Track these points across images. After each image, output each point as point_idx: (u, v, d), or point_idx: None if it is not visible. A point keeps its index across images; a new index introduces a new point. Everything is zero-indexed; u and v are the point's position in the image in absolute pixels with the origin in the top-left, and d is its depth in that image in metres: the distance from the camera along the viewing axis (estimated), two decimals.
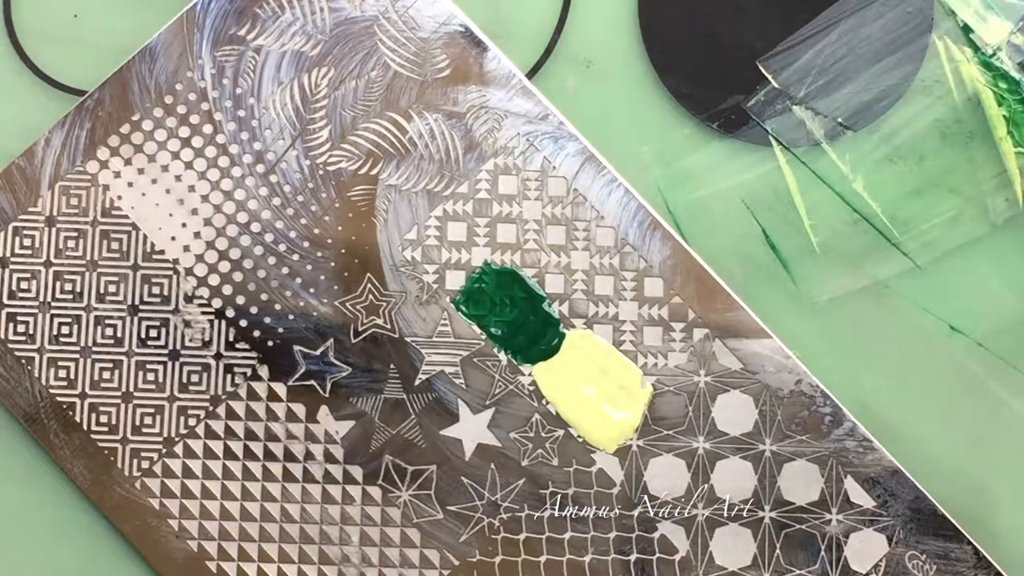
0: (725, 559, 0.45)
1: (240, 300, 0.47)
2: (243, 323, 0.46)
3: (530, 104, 0.47)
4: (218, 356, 0.46)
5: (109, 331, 0.47)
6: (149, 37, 0.47)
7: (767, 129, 0.47)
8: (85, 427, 0.46)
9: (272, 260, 0.47)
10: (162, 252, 0.47)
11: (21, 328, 0.46)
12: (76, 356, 0.46)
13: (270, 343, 0.46)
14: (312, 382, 0.46)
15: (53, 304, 0.47)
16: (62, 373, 0.46)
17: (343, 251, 0.47)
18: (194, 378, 0.46)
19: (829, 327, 0.47)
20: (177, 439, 0.46)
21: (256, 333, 0.46)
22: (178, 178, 0.47)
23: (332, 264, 0.47)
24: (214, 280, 0.47)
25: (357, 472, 0.46)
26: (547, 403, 0.46)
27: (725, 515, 0.45)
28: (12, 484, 0.46)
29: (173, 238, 0.47)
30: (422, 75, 0.47)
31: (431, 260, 0.47)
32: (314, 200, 0.47)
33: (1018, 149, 0.46)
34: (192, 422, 0.46)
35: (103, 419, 0.46)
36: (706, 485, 0.45)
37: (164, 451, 0.46)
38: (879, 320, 0.47)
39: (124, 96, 0.47)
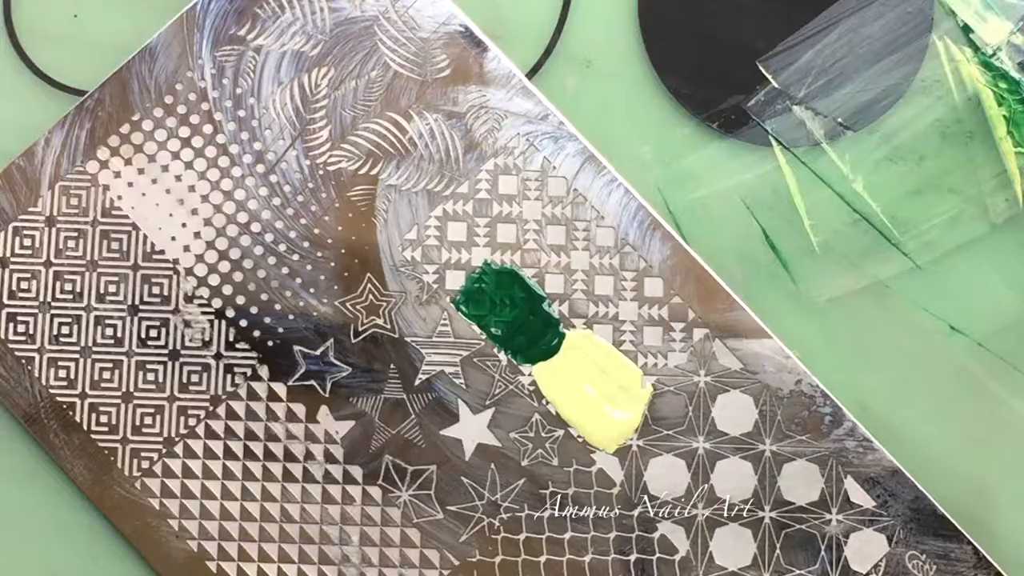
0: (725, 559, 0.45)
1: (240, 300, 0.47)
2: (243, 323, 0.46)
3: (530, 104, 0.47)
4: (218, 356, 0.46)
5: (109, 331, 0.47)
6: (149, 37, 0.47)
7: (767, 129, 0.47)
8: (85, 427, 0.46)
9: (272, 260, 0.47)
10: (162, 252, 0.47)
11: (21, 328, 0.46)
12: (76, 356, 0.46)
13: (270, 343, 0.46)
14: (312, 382, 0.46)
15: (53, 304, 0.47)
16: (62, 373, 0.46)
17: (343, 251, 0.47)
18: (194, 378, 0.46)
19: (829, 327, 0.47)
20: (177, 439, 0.46)
21: (256, 333, 0.46)
22: (178, 178, 0.47)
23: (332, 264, 0.47)
24: (214, 280, 0.47)
25: (357, 472, 0.46)
26: (547, 403, 0.46)
27: (725, 515, 0.45)
28: (12, 484, 0.46)
29: (173, 238, 0.47)
30: (422, 75, 0.47)
31: (431, 260, 0.47)
32: (314, 200, 0.47)
33: (1018, 149, 0.46)
34: (192, 422, 0.46)
35: (103, 419, 0.46)
36: (706, 485, 0.45)
37: (164, 451, 0.46)
38: (879, 320, 0.47)
39: (124, 96, 0.47)
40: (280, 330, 0.46)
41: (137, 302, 0.47)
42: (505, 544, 0.46)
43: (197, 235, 0.47)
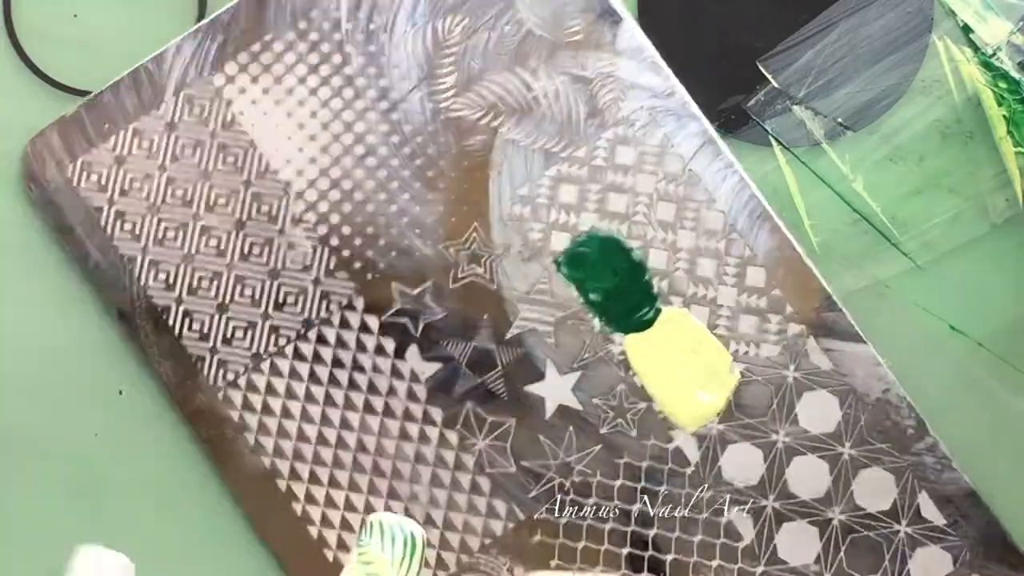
0: (788, 554, 0.45)
1: (346, 230, 0.47)
2: (345, 253, 0.47)
3: (658, 80, 0.47)
4: (316, 282, 0.47)
5: (213, 242, 0.47)
6: (149, 37, 0.47)
7: (767, 129, 0.47)
8: (176, 332, 0.47)
9: (382, 196, 0.47)
10: (276, 173, 0.47)
11: (128, 226, 0.47)
12: (178, 261, 0.47)
13: (369, 276, 0.47)
14: (405, 320, 0.47)
15: (162, 208, 0.47)
16: (161, 276, 0.47)
17: (453, 197, 0.47)
18: (290, 299, 0.47)
19: None
20: (265, 356, 0.46)
21: (357, 265, 0.47)
22: (301, 103, 0.47)
23: (441, 208, 0.47)
24: (323, 207, 0.47)
25: (437, 414, 0.46)
26: (634, 375, 0.46)
27: (794, 510, 0.45)
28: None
29: (288, 161, 0.47)
30: (554, 36, 0.47)
31: (539, 218, 0.47)
32: (432, 143, 0.47)
33: (1018, 149, 0.46)
34: (282, 342, 0.47)
35: (195, 326, 0.47)
36: (780, 478, 0.45)
37: (251, 366, 0.46)
38: (879, 320, 0.47)
39: (260, 15, 0.47)
40: (381, 265, 0.47)
41: (244, 217, 0.47)
42: (572, 506, 0.46)
43: (312, 161, 0.47)
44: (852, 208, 0.47)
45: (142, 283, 0.47)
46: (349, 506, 0.46)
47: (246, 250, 0.47)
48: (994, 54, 0.46)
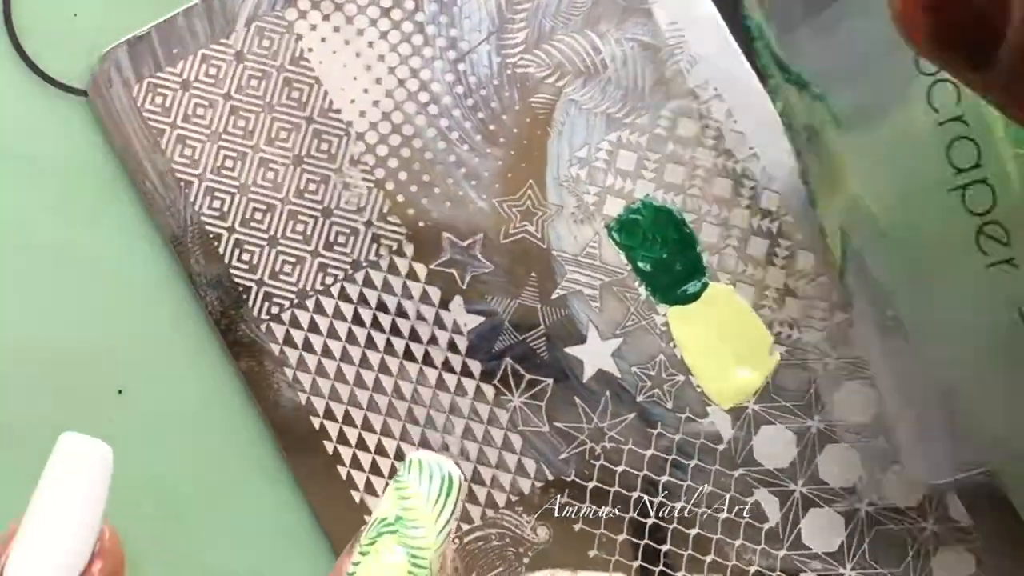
0: (812, 540, 0.45)
1: (402, 176, 0.47)
2: (400, 198, 0.47)
3: (727, 56, 0.47)
4: (368, 224, 0.47)
5: (270, 175, 0.47)
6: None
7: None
8: (226, 260, 0.47)
9: (442, 145, 0.47)
10: (339, 112, 0.47)
11: (188, 152, 0.47)
12: (233, 191, 0.47)
13: (421, 223, 0.47)
14: (453, 271, 0.47)
15: (224, 136, 0.47)
16: (216, 204, 0.47)
17: (512, 152, 0.47)
18: (341, 239, 0.47)
19: None
20: (311, 293, 0.47)
21: (410, 211, 0.47)
22: (370, 44, 0.47)
23: (499, 163, 0.47)
24: (382, 151, 0.47)
25: (476, 367, 0.46)
26: (674, 346, 0.46)
27: (822, 497, 0.45)
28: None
29: (352, 101, 0.47)
30: (627, 2, 0.47)
31: (595, 182, 0.47)
32: (496, 97, 0.47)
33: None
34: (329, 281, 0.47)
35: (245, 257, 0.47)
36: (811, 463, 0.45)
37: (296, 301, 0.47)
38: None
39: None
40: (434, 214, 0.47)
41: (303, 154, 0.47)
42: (602, 471, 0.46)
43: (376, 104, 0.47)
44: None
45: (196, 208, 0.47)
46: (380, 450, 0.46)
47: (302, 186, 0.47)
48: None
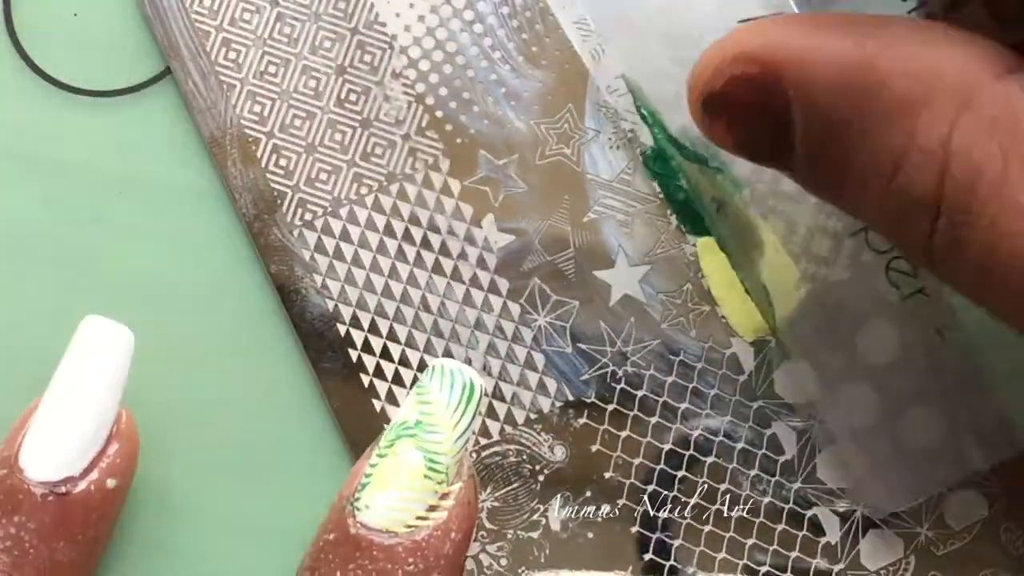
0: (826, 474, 0.46)
1: (443, 92, 0.47)
2: (439, 114, 0.47)
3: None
4: (406, 137, 0.47)
5: (312, 83, 0.48)
6: (150, 36, 0.47)
7: None
8: (263, 164, 0.47)
9: (484, 63, 0.48)
10: (384, 25, 0.48)
11: (232, 55, 0.48)
12: (275, 96, 0.48)
13: (458, 140, 0.47)
14: (487, 188, 0.47)
15: (268, 41, 0.48)
16: (257, 108, 0.48)
17: (553, 75, 0.47)
18: (378, 151, 0.47)
19: None
20: (345, 202, 0.47)
21: (448, 127, 0.47)
22: None
23: (539, 84, 0.47)
24: (424, 65, 0.48)
25: (503, 285, 0.47)
26: (702, 276, 0.47)
27: (839, 436, 0.45)
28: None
29: (397, 14, 0.48)
30: None
31: (633, 111, 0.47)
32: (540, 19, 0.47)
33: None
34: (364, 191, 0.47)
35: (282, 162, 0.47)
36: (833, 401, 0.46)
37: (330, 209, 0.47)
38: None
39: None
40: (471, 131, 0.47)
41: (346, 64, 0.48)
42: (622, 395, 0.46)
43: (420, 19, 0.48)
44: None
45: (237, 111, 0.47)
46: (404, 361, 0.47)
47: (343, 95, 0.48)
48: None
